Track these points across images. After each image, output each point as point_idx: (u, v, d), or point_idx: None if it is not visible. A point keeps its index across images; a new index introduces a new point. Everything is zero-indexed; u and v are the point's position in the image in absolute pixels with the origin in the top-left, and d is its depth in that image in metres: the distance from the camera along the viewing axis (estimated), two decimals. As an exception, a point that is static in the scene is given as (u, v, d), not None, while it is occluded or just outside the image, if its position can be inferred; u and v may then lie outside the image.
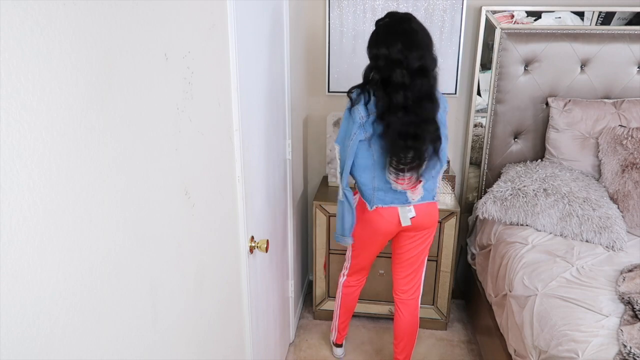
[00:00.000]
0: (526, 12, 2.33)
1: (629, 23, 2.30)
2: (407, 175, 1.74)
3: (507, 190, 2.17)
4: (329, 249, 2.41)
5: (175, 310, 0.97)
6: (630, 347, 1.34)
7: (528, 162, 2.38)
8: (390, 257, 2.16)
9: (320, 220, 2.36)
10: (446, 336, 2.47)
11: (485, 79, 2.42)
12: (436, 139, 1.69)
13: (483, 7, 2.31)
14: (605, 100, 2.30)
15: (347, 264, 2.07)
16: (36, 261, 0.56)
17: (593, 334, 1.44)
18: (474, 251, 2.44)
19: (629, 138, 2.13)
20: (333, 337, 2.27)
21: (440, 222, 2.26)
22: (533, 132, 2.41)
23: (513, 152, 2.46)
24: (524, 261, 1.88)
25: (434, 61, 1.64)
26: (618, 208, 2.06)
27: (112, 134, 0.70)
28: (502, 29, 2.30)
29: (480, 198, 2.37)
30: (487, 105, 2.43)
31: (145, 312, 0.84)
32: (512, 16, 2.34)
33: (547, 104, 2.35)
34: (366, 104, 1.66)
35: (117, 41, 0.70)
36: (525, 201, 2.10)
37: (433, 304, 2.44)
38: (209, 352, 1.19)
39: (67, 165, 0.61)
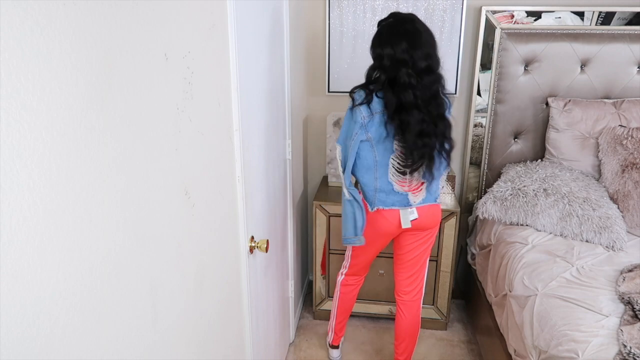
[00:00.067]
0: (526, 12, 2.33)
1: (629, 23, 2.30)
2: (410, 177, 1.74)
3: (507, 190, 2.17)
4: (329, 249, 2.41)
5: (175, 310, 0.97)
6: (630, 347, 1.34)
7: (528, 162, 2.38)
8: (390, 257, 2.17)
9: (320, 220, 2.36)
10: (446, 336, 2.47)
11: (485, 79, 2.42)
12: (445, 139, 1.70)
13: (483, 7, 2.31)
14: (605, 100, 2.30)
15: (346, 263, 2.07)
16: (36, 261, 0.56)
17: (593, 334, 1.44)
18: (474, 251, 2.44)
19: (629, 138, 2.13)
20: (329, 338, 2.25)
21: (440, 222, 2.25)
22: (533, 132, 2.41)
23: (513, 152, 2.46)
24: (524, 261, 1.88)
25: (438, 61, 1.65)
26: (618, 208, 2.06)
27: (112, 134, 0.70)
28: (502, 29, 2.30)
29: (480, 198, 2.37)
30: (487, 105, 2.43)
31: (145, 312, 0.84)
32: (512, 16, 2.34)
33: (547, 104, 2.35)
34: (368, 104, 1.66)
35: (117, 41, 0.70)
36: (525, 201, 2.10)
37: (433, 304, 2.44)
38: (209, 352, 1.19)
39: (67, 165, 0.61)
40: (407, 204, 1.79)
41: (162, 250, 0.90)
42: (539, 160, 2.37)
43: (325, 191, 2.47)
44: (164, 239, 0.90)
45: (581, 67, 2.31)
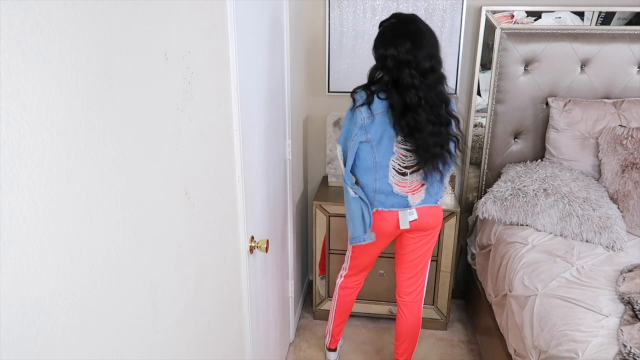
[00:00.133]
0: (526, 12, 2.33)
1: (629, 23, 2.30)
2: (410, 178, 1.74)
3: (507, 190, 2.17)
4: (329, 249, 2.41)
5: (175, 310, 0.97)
6: (630, 347, 1.34)
7: (528, 162, 2.38)
8: (390, 257, 2.17)
9: (320, 220, 2.36)
10: (446, 336, 2.47)
11: (485, 79, 2.42)
12: (449, 139, 1.70)
13: (483, 7, 2.31)
14: (605, 100, 2.30)
15: (345, 265, 2.06)
16: (36, 261, 0.56)
17: (593, 334, 1.44)
18: (474, 251, 2.44)
19: (629, 138, 2.13)
20: (327, 341, 2.23)
21: (442, 224, 2.25)
22: (533, 132, 2.41)
23: (513, 152, 2.46)
24: (524, 261, 1.88)
25: (440, 61, 1.65)
26: (618, 208, 2.06)
27: (112, 134, 0.70)
28: (502, 29, 2.30)
29: (480, 198, 2.37)
30: (487, 105, 2.43)
31: (145, 312, 0.84)
32: (512, 16, 2.34)
33: (547, 104, 2.35)
34: (369, 105, 1.66)
35: (117, 41, 0.70)
36: (525, 201, 2.10)
37: (433, 304, 2.44)
38: (209, 352, 1.19)
39: (67, 165, 0.61)
40: (407, 205, 1.78)
41: (162, 250, 0.90)
42: (539, 160, 2.37)
43: (325, 191, 2.47)
44: (164, 239, 0.90)
45: (581, 67, 2.31)
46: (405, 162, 1.72)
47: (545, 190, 2.09)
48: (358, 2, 2.38)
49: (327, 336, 2.22)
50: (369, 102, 1.65)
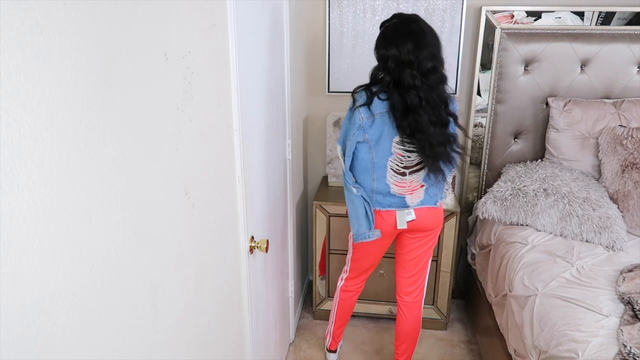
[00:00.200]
0: (526, 12, 2.33)
1: (629, 23, 2.30)
2: (409, 178, 1.74)
3: (507, 190, 2.17)
4: (329, 249, 2.41)
5: (175, 310, 0.97)
6: (630, 347, 1.34)
7: (528, 162, 2.38)
8: (390, 258, 2.16)
9: (320, 220, 2.36)
10: (446, 336, 2.47)
11: (485, 79, 2.42)
12: (450, 140, 1.70)
13: (483, 7, 2.31)
14: (605, 100, 2.30)
15: (346, 268, 2.06)
16: (36, 261, 0.56)
17: (593, 334, 1.44)
18: (474, 251, 2.44)
19: (629, 138, 2.13)
20: (327, 342, 2.23)
21: (442, 225, 2.25)
22: (533, 132, 2.41)
23: (513, 152, 2.46)
24: (524, 261, 1.88)
25: (442, 61, 1.65)
26: (618, 208, 2.06)
27: (112, 134, 0.70)
28: (502, 29, 2.30)
29: (480, 198, 2.37)
30: (487, 105, 2.43)
31: (145, 312, 0.84)
32: (512, 16, 2.34)
33: (547, 104, 2.35)
34: (369, 106, 1.66)
35: (117, 41, 0.70)
36: (525, 201, 2.10)
37: (433, 304, 2.44)
38: (209, 352, 1.19)
39: (67, 165, 0.61)
40: (404, 206, 1.78)
41: (162, 250, 0.90)
42: (539, 160, 2.37)
43: (325, 191, 2.47)
44: (164, 239, 0.90)
45: (581, 67, 2.31)
46: (404, 162, 1.72)
47: (545, 190, 2.09)
48: (358, 2, 2.38)
49: (328, 337, 2.22)
50: (368, 103, 1.65)
